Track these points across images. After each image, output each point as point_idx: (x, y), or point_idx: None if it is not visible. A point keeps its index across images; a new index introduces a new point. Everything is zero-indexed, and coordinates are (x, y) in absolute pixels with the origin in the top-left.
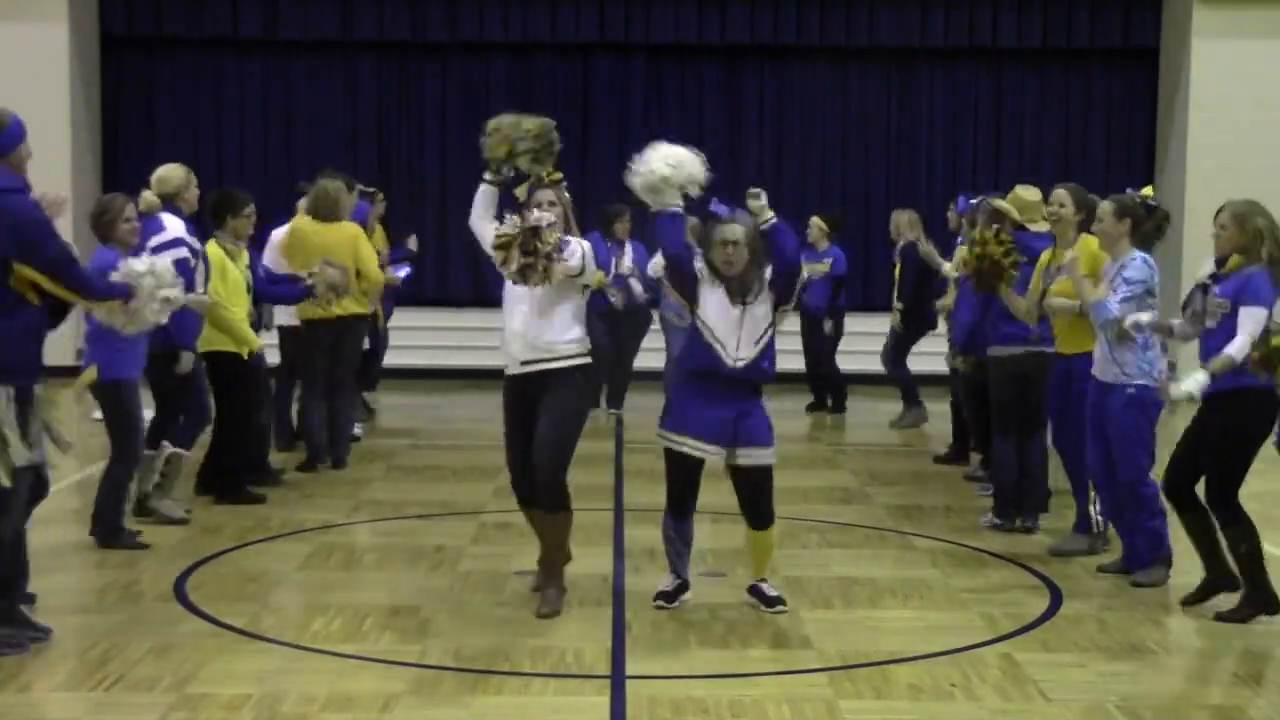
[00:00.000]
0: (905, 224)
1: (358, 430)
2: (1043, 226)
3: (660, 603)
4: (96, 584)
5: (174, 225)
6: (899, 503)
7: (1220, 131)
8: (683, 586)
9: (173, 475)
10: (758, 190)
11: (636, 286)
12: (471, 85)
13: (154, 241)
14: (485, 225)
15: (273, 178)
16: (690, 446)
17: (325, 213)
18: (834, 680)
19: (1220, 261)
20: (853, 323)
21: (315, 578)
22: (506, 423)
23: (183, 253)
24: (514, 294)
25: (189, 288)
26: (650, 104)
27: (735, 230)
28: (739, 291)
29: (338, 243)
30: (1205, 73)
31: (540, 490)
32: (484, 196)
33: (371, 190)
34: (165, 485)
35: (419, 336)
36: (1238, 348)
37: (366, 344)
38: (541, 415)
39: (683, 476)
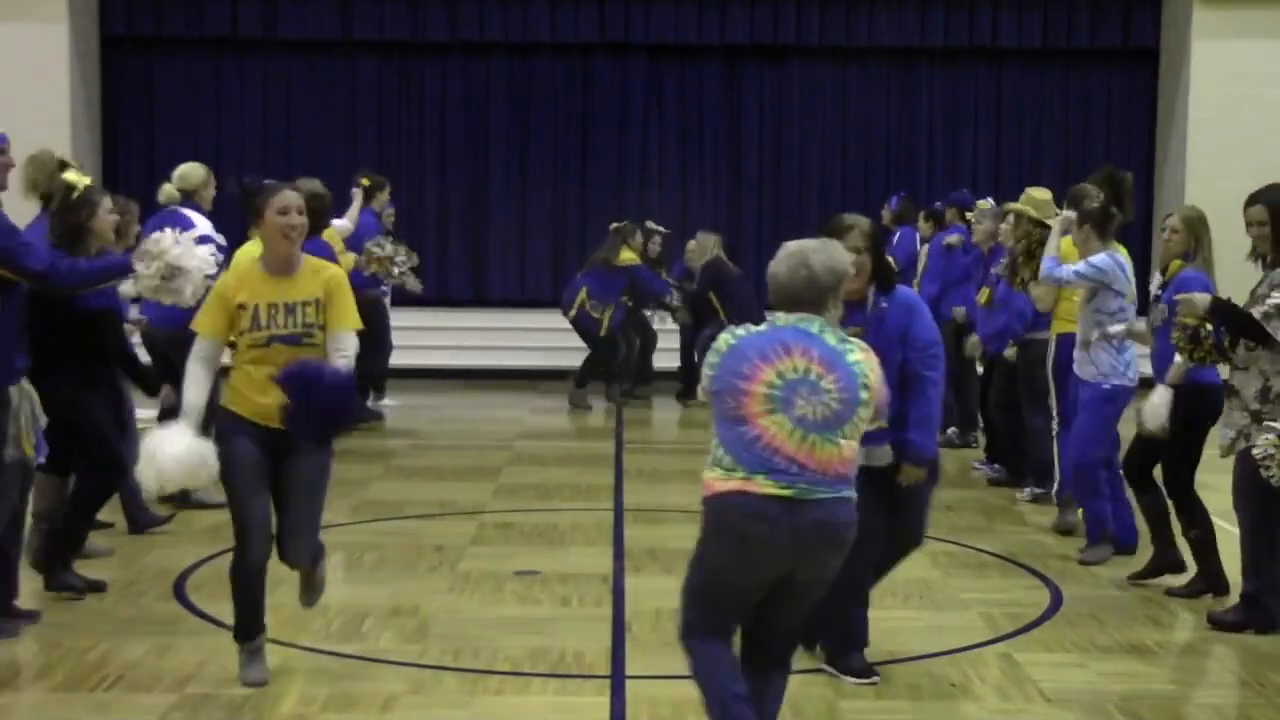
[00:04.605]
0: (711, 245)
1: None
2: (1055, 223)
3: None
4: None
5: (201, 222)
6: None
7: (1220, 131)
8: None
9: None
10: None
11: None
12: (471, 85)
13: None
14: None
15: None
16: None
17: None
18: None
19: (1164, 270)
20: None
21: None
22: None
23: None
24: None
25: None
26: (650, 104)
27: None
28: None
29: None
30: (1205, 73)
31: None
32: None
33: None
34: None
35: (418, 336)
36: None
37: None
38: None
39: None
